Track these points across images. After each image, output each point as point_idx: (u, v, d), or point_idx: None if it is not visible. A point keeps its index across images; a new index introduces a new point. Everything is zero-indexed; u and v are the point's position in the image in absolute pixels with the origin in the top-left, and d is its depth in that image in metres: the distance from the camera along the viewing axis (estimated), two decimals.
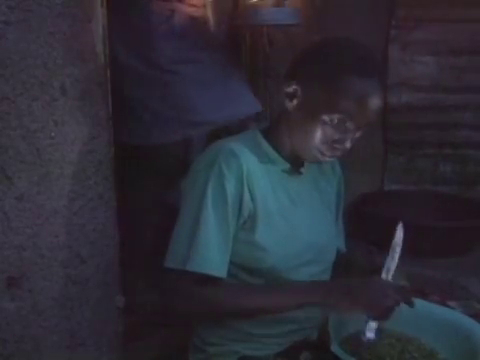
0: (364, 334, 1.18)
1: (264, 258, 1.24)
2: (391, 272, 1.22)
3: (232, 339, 1.31)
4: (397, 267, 1.25)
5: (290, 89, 1.23)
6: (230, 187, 1.19)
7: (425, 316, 1.31)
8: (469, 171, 2.79)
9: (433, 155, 2.79)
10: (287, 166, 1.29)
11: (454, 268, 2.25)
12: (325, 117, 1.18)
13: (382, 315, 1.16)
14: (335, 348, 1.15)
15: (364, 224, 2.39)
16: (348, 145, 1.22)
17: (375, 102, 1.17)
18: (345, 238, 1.51)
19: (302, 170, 1.32)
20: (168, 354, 1.87)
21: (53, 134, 1.48)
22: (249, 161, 1.22)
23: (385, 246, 1.30)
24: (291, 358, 1.31)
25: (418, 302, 1.33)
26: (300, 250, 1.29)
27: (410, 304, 1.17)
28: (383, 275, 1.22)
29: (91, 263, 1.62)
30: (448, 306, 1.49)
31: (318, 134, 1.20)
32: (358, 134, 1.23)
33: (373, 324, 1.18)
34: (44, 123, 1.46)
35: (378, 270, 1.26)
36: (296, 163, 1.30)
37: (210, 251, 1.18)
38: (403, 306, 1.18)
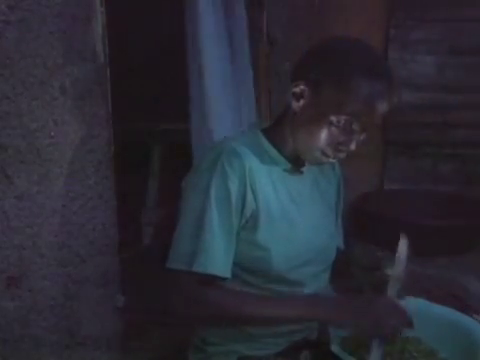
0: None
1: (265, 257, 1.23)
2: (396, 289, 1.21)
3: (232, 339, 1.31)
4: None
5: (297, 89, 1.21)
6: (233, 187, 1.18)
7: (425, 316, 1.30)
8: (469, 170, 2.79)
9: (433, 154, 2.79)
10: (288, 166, 1.29)
11: (454, 267, 2.26)
12: (332, 118, 1.17)
13: (387, 335, 1.16)
14: (335, 348, 1.15)
15: (364, 223, 2.40)
16: (353, 147, 1.21)
17: (383, 104, 1.16)
18: (344, 236, 1.51)
19: (303, 169, 1.32)
20: (168, 353, 1.87)
21: (53, 133, 1.49)
22: (251, 160, 1.22)
23: (385, 245, 1.29)
24: (291, 358, 1.30)
25: (418, 302, 1.33)
26: (301, 249, 1.28)
27: (410, 326, 1.17)
28: (389, 292, 1.20)
29: (91, 262, 1.62)
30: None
31: (324, 135, 1.19)
32: (363, 136, 1.22)
33: (380, 349, 1.14)
34: (44, 122, 1.47)
35: (378, 267, 1.26)
36: (297, 163, 1.30)
37: (215, 251, 1.18)
38: (403, 304, 1.18)
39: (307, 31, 2.42)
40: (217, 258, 1.18)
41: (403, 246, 1.25)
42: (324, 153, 1.21)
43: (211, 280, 1.19)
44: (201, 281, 1.18)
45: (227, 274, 1.20)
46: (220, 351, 1.31)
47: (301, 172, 1.32)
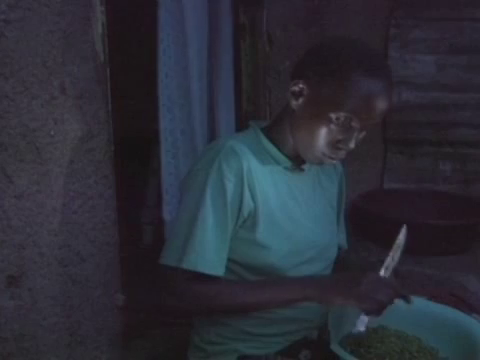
0: (355, 326, 1.18)
1: (266, 256, 1.23)
2: (389, 271, 1.22)
3: (232, 338, 1.31)
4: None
5: (296, 87, 1.21)
6: (230, 186, 1.18)
7: (425, 315, 1.30)
8: (468, 169, 2.79)
9: (433, 153, 2.78)
10: (289, 164, 1.29)
11: (452, 266, 2.25)
12: (331, 115, 1.17)
13: (374, 309, 1.16)
14: (335, 347, 1.15)
15: (364, 222, 2.39)
16: (352, 145, 1.21)
17: (382, 102, 1.16)
18: (347, 236, 1.52)
19: (304, 167, 1.32)
20: (168, 353, 1.87)
21: (53, 132, 1.48)
22: (250, 159, 1.22)
23: (385, 244, 1.29)
24: (291, 357, 1.30)
25: (418, 301, 1.33)
26: (302, 248, 1.28)
27: (407, 300, 1.17)
28: (381, 272, 1.21)
29: (91, 262, 1.62)
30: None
31: (323, 133, 1.19)
32: (362, 135, 1.22)
33: (365, 318, 1.17)
34: (44, 121, 1.46)
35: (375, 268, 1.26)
36: (298, 160, 1.30)
37: (206, 250, 1.18)
38: (403, 305, 1.18)
39: (307, 31, 2.42)
40: (208, 256, 1.18)
41: (402, 236, 1.26)
42: (323, 153, 1.21)
43: (202, 277, 1.19)
44: (192, 278, 1.18)
45: (218, 272, 1.20)
46: (220, 350, 1.31)
47: (302, 170, 1.32)
